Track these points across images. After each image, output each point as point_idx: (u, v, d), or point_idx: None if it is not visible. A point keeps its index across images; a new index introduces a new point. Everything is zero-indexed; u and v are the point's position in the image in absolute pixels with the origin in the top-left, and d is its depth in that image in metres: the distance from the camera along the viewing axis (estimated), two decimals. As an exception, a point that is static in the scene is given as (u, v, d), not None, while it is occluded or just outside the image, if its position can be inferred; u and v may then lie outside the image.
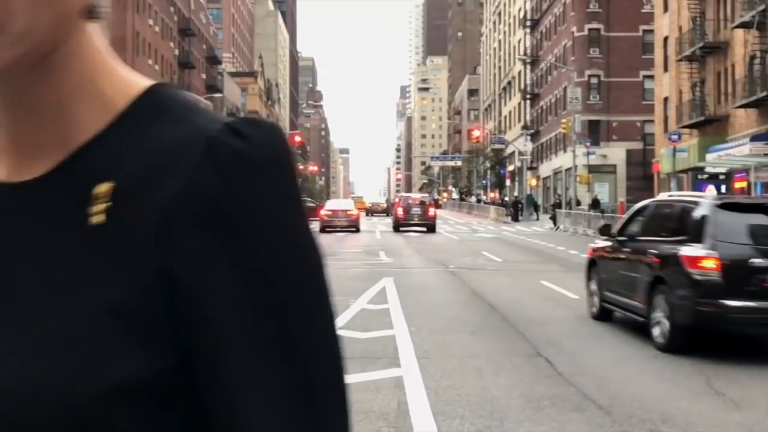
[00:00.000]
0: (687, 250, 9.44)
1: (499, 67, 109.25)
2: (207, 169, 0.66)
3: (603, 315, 11.83)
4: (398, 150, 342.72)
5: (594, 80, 64.46)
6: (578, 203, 51.47)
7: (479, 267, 20.90)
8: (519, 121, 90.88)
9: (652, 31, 55.71)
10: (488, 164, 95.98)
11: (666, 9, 49.62)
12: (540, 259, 23.61)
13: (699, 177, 40.86)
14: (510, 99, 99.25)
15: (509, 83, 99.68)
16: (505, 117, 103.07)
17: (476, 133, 79.76)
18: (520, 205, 58.94)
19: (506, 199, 75.73)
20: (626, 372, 8.41)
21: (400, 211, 41.24)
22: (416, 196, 46.21)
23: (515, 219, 56.27)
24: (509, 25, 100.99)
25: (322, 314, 0.69)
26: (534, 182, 75.12)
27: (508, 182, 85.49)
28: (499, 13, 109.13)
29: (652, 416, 6.66)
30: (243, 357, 0.65)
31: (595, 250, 12.60)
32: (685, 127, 43.90)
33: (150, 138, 0.69)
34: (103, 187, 0.68)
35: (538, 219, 59.27)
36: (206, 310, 0.65)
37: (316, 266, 0.69)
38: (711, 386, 7.81)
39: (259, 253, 0.65)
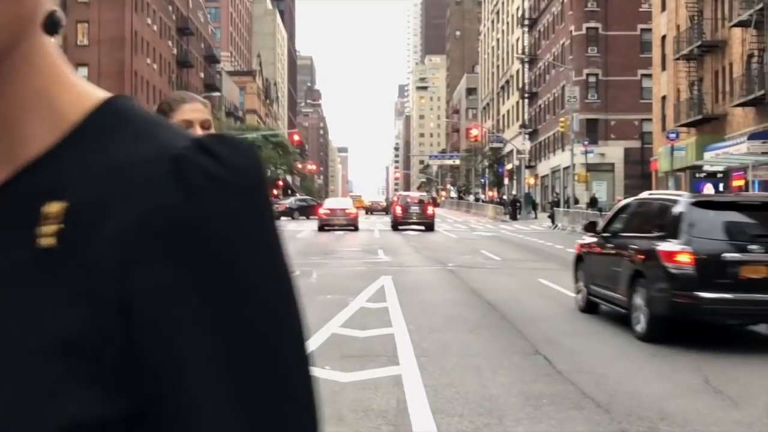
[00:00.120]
0: (664, 246, 9.98)
1: (498, 66, 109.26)
2: (173, 190, 0.60)
3: (589, 308, 12.38)
4: (396, 149, 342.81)
5: (592, 79, 64.50)
6: (576, 202, 51.50)
7: (478, 265, 20.92)
8: (517, 119, 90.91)
9: (650, 29, 55.75)
10: (486, 163, 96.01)
11: (664, 8, 49.65)
12: (538, 258, 23.64)
13: (697, 175, 40.92)
14: (508, 98, 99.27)
15: (507, 82, 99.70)
16: (504, 116, 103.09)
17: (474, 131, 79.71)
18: (518, 204, 58.95)
19: (504, 197, 75.77)
20: (625, 369, 8.43)
21: (398, 210, 41.25)
22: (415, 194, 46.20)
23: (513, 217, 56.28)
24: (507, 24, 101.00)
25: (295, 352, 0.64)
26: (532, 181, 75.14)
27: (506, 181, 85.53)
28: (498, 12, 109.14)
29: (651, 414, 6.68)
30: (209, 394, 0.59)
31: (581, 246, 13.15)
32: (682, 125, 43.95)
33: (108, 154, 0.63)
34: (54, 207, 0.61)
35: (536, 217, 59.29)
36: (169, 345, 0.59)
37: (288, 297, 0.64)
38: (709, 384, 7.83)
39: (229, 285, 0.60)
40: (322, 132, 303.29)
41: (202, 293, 0.59)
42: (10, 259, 0.61)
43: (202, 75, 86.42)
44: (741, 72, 37.81)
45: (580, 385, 7.64)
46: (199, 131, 2.95)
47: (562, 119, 54.66)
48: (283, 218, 56.51)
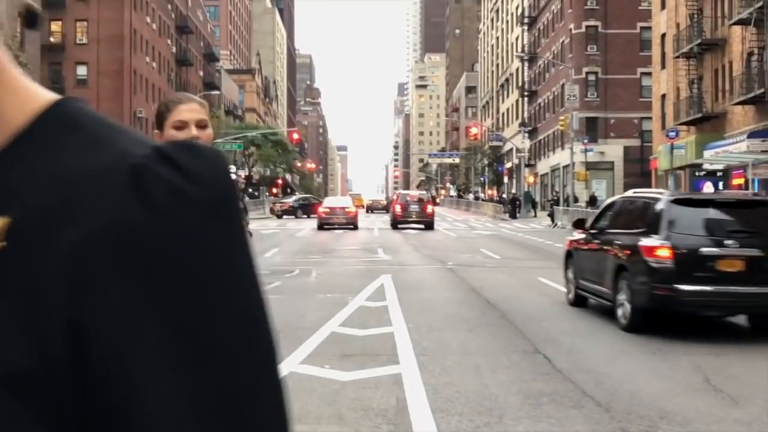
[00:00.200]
0: (645, 241, 10.53)
1: (497, 65, 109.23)
2: (131, 204, 0.54)
3: (578, 302, 12.93)
4: (396, 147, 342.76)
5: (592, 77, 64.48)
6: (576, 200, 51.51)
7: (477, 264, 20.92)
8: (517, 118, 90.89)
9: (649, 28, 55.74)
10: (486, 161, 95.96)
11: (663, 6, 49.64)
12: (538, 256, 23.64)
13: (697, 174, 40.92)
14: (508, 96, 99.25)
15: (507, 80, 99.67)
16: (503, 114, 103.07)
17: (474, 130, 79.69)
18: (517, 202, 58.95)
19: (504, 196, 75.76)
20: (624, 368, 8.43)
21: (398, 209, 41.26)
22: (414, 193, 46.20)
23: (513, 216, 56.29)
24: (507, 22, 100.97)
25: (265, 378, 0.58)
26: (532, 179, 75.14)
27: (505, 179, 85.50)
28: (497, 11, 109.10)
29: (651, 412, 6.68)
30: (169, 425, 0.54)
31: (571, 242, 13.71)
32: (682, 124, 43.94)
33: (57, 163, 0.57)
34: None
35: (535, 216, 59.30)
36: (126, 377, 0.53)
37: (257, 319, 0.59)
38: (709, 382, 7.83)
39: (194, 309, 0.55)
40: (321, 130, 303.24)
41: (164, 318, 0.54)
42: None
43: (201, 73, 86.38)
44: (741, 70, 37.80)
45: (580, 383, 7.64)
46: (194, 131, 2.97)
47: (561, 117, 54.66)
48: (285, 216, 56.60)
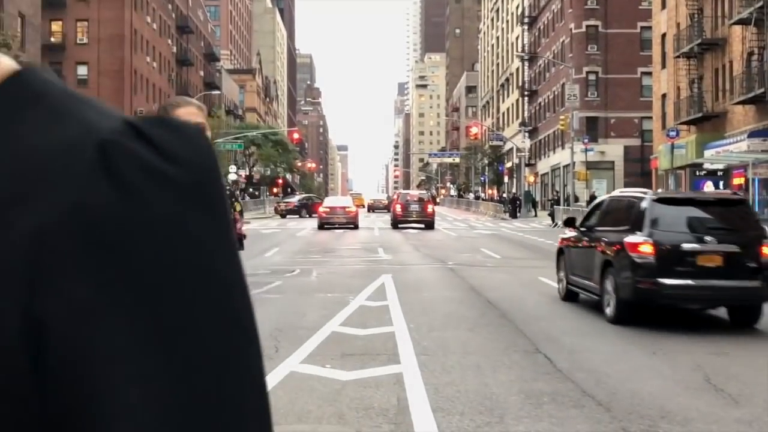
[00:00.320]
0: (629, 238, 11.14)
1: (497, 64, 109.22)
2: (99, 184, 0.49)
3: (569, 296, 13.56)
4: (396, 147, 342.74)
5: (592, 77, 64.48)
6: (576, 200, 51.52)
7: (478, 264, 20.92)
8: (517, 117, 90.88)
9: (650, 27, 55.74)
10: (486, 161, 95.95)
11: (664, 6, 49.64)
12: (538, 256, 23.63)
13: (697, 173, 40.94)
14: (508, 96, 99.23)
15: (507, 80, 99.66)
16: (503, 114, 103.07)
17: (474, 129, 79.68)
18: (518, 202, 58.97)
19: (504, 195, 75.75)
20: (625, 368, 8.43)
21: (398, 208, 41.27)
22: (414, 193, 46.20)
23: (513, 216, 56.29)
24: (507, 22, 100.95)
25: (246, 389, 0.52)
26: (532, 179, 75.15)
27: (506, 179, 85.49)
28: (497, 10, 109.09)
29: (651, 412, 6.68)
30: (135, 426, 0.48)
31: (563, 239, 14.35)
32: (683, 123, 43.95)
33: (17, 138, 0.51)
34: None
35: (536, 215, 59.31)
36: (89, 377, 0.47)
37: (240, 323, 0.53)
38: (710, 382, 7.83)
39: (167, 307, 0.49)
40: (321, 130, 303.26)
41: (134, 316, 0.48)
42: None
43: (201, 73, 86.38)
44: (741, 70, 37.80)
45: (580, 383, 7.64)
46: None
47: (562, 117, 54.66)
48: (289, 216, 56.68)
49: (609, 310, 11.39)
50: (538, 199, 69.02)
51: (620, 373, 8.17)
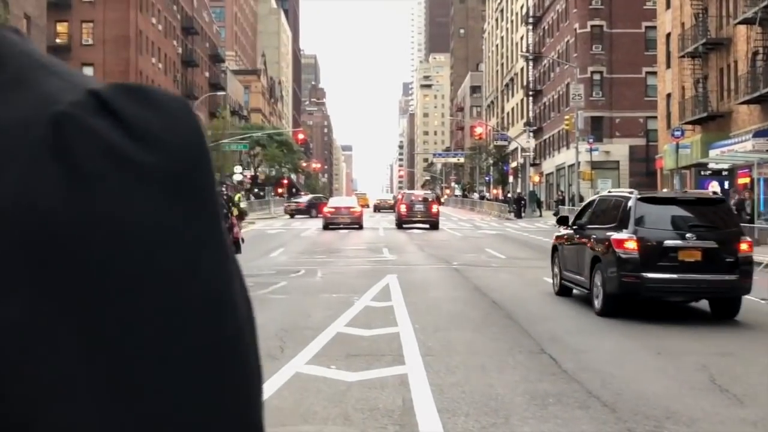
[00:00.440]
0: (615, 235, 11.92)
1: (502, 64, 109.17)
2: (48, 170, 0.40)
3: (562, 291, 14.33)
4: (401, 147, 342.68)
5: (597, 77, 64.41)
6: (581, 199, 51.41)
7: (482, 264, 20.93)
8: (522, 117, 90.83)
9: (654, 27, 55.65)
10: (491, 161, 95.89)
11: (668, 5, 49.57)
12: (543, 256, 23.59)
13: (702, 173, 40.86)
14: (513, 96, 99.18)
15: (512, 80, 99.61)
16: (508, 113, 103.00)
17: (479, 129, 79.62)
18: (523, 202, 58.93)
19: (509, 195, 75.72)
20: (630, 368, 8.44)
21: (403, 208, 41.27)
22: (419, 193, 46.18)
23: (518, 215, 56.25)
24: (512, 22, 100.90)
25: (239, 424, 0.42)
26: (537, 179, 75.08)
27: (510, 179, 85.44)
28: (502, 10, 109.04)
29: (657, 413, 6.69)
30: None
31: (557, 237, 15.17)
32: (687, 123, 43.89)
33: None
34: None
35: (541, 215, 59.25)
36: (30, 402, 0.39)
37: (234, 352, 0.43)
38: (715, 382, 7.83)
39: (128, 332, 0.40)
40: (326, 130, 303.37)
41: (89, 333, 0.39)
42: None
43: (207, 74, 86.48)
44: (746, 69, 37.74)
45: (585, 384, 7.65)
46: None
47: (566, 117, 54.63)
48: (297, 216, 56.86)
49: (597, 303, 12.16)
50: (542, 199, 68.95)
51: (625, 373, 8.18)
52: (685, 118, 44.47)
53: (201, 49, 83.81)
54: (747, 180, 35.77)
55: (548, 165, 76.49)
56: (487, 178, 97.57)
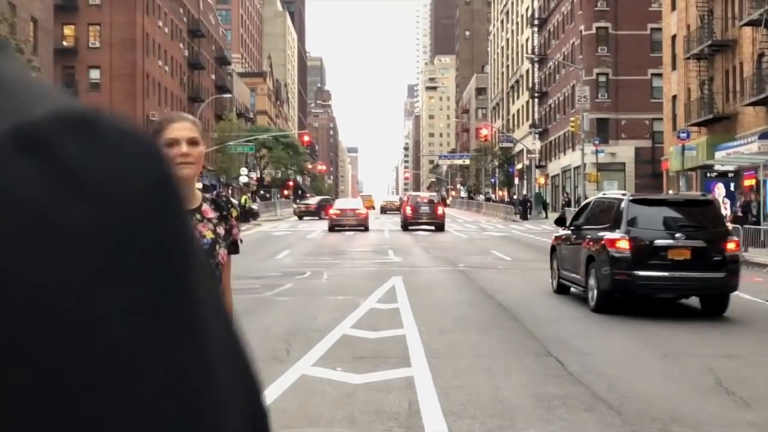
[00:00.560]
0: (608, 235, 12.49)
1: (507, 66, 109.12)
2: None
3: (560, 289, 14.85)
4: (406, 149, 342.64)
5: (602, 78, 64.35)
6: (587, 202, 51.38)
7: (488, 266, 20.92)
8: (527, 119, 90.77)
9: (660, 29, 55.58)
10: (496, 162, 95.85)
11: (674, 7, 49.51)
12: (548, 258, 23.59)
13: (708, 175, 40.74)
14: (518, 97, 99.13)
15: (517, 82, 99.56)
16: (513, 115, 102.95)
17: (484, 131, 79.62)
18: (528, 204, 58.89)
19: (515, 197, 75.66)
20: (636, 371, 8.44)
21: (408, 210, 41.26)
22: (425, 194, 46.18)
23: (524, 217, 56.22)
24: (517, 23, 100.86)
25: None
26: (542, 180, 75.00)
27: (516, 180, 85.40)
28: (507, 12, 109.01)
29: (663, 415, 6.68)
30: None
31: (555, 238, 15.78)
32: (693, 125, 43.82)
33: None
34: None
35: (546, 217, 59.17)
36: None
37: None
38: (721, 385, 7.83)
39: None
40: (332, 132, 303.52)
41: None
42: None
43: (213, 77, 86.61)
44: (751, 71, 37.67)
45: (592, 386, 7.65)
46: (185, 148, 3.10)
47: (572, 119, 54.57)
48: (306, 217, 57.08)
49: (591, 301, 12.74)
50: (548, 200, 68.88)
51: (632, 375, 8.18)
52: (690, 119, 44.40)
53: (207, 52, 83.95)
54: (753, 182, 35.67)
55: (554, 167, 76.41)
56: (492, 180, 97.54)
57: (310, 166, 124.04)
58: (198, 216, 3.19)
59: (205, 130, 76.75)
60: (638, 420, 6.55)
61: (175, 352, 0.34)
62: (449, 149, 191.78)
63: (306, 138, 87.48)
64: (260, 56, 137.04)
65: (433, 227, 40.28)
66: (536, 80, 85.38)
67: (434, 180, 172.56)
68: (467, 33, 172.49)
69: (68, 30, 59.70)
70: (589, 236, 13.36)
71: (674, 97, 49.58)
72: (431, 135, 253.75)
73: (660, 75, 56.22)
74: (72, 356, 0.31)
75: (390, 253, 25.45)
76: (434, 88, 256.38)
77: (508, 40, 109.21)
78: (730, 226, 26.38)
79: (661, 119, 54.43)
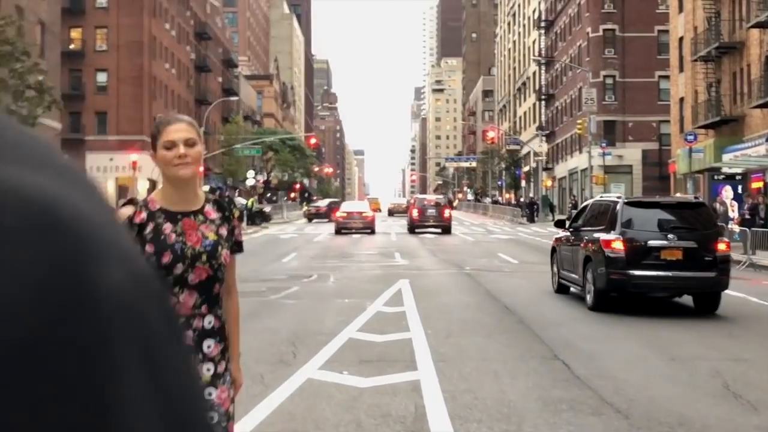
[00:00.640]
0: (604, 236, 12.99)
1: (514, 68, 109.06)
2: None
3: (560, 289, 15.34)
4: (413, 151, 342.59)
5: (609, 81, 64.25)
6: (594, 204, 51.30)
7: (495, 269, 20.89)
8: (534, 121, 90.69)
9: (667, 31, 55.51)
10: (503, 165, 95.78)
11: (681, 9, 49.43)
12: (556, 261, 23.57)
13: (715, 177, 40.66)
14: (525, 100, 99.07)
15: (524, 84, 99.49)
16: (520, 118, 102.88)
17: (491, 134, 79.52)
18: (535, 206, 58.84)
19: (522, 200, 75.58)
20: (643, 374, 8.41)
21: (415, 213, 41.25)
22: (431, 197, 46.16)
23: (531, 220, 56.17)
24: (524, 26, 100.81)
25: None
26: (549, 183, 74.91)
27: (523, 183, 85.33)
28: (514, 14, 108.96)
29: (670, 419, 6.66)
30: None
31: (556, 239, 16.31)
32: (700, 127, 43.72)
33: None
34: None
35: (553, 220, 59.11)
36: None
37: None
38: (728, 389, 7.80)
39: None
40: (338, 135, 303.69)
41: None
42: None
43: (220, 79, 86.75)
44: (759, 73, 37.57)
45: (599, 390, 7.63)
46: (182, 149, 3.11)
47: (579, 121, 54.48)
48: (316, 220, 57.25)
49: (589, 299, 13.23)
50: (555, 203, 68.80)
51: (639, 379, 8.15)
52: (698, 122, 44.31)
53: (214, 55, 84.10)
54: (760, 184, 35.59)
55: (561, 169, 76.31)
56: (499, 183, 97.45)
57: (316, 169, 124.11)
58: (201, 217, 3.19)
59: (212, 133, 76.66)
60: (645, 424, 6.53)
61: None
62: (456, 151, 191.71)
63: (312, 140, 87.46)
64: (267, 59, 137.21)
65: (439, 230, 40.26)
66: (543, 82, 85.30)
67: (441, 182, 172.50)
68: (474, 35, 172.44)
69: (75, 33, 59.90)
70: (586, 237, 13.83)
71: (681, 100, 49.49)
72: (438, 137, 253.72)
73: (667, 77, 56.13)
74: None
75: (396, 255, 25.44)
76: (441, 91, 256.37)
77: (514, 42, 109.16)
78: (737, 228, 26.54)
79: (669, 121, 54.33)
